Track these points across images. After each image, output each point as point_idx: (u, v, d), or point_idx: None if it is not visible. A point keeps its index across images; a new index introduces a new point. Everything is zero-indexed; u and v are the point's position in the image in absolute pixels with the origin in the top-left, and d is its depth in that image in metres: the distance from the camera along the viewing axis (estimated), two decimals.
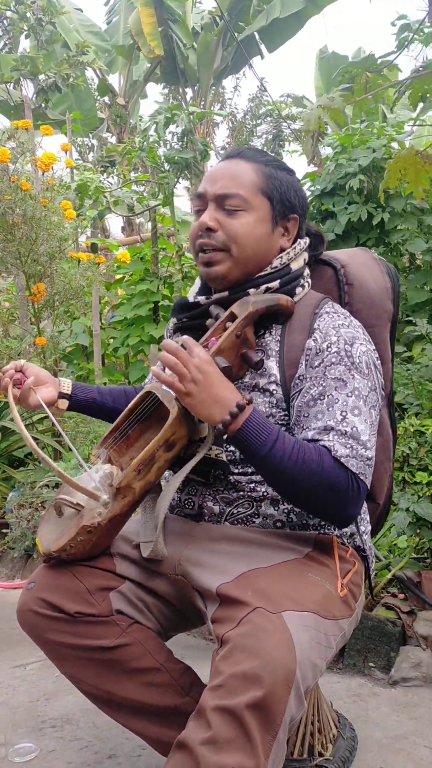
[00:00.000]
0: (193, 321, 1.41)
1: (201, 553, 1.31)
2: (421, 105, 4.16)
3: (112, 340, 4.91)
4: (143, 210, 4.59)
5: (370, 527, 1.52)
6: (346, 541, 1.39)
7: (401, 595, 2.17)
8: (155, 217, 4.73)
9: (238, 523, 1.32)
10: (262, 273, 1.35)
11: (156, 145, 3.86)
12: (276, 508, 1.31)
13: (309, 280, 1.43)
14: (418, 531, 2.05)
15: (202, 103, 11.33)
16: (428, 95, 3.86)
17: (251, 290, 1.34)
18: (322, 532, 1.34)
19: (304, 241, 1.42)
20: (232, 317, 1.33)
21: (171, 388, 1.25)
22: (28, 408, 1.45)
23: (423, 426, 2.15)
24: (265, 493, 1.30)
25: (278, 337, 1.35)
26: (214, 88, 11.68)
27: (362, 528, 1.44)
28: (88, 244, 4.30)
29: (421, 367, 3.05)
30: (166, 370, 1.29)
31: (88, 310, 4.18)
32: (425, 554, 2.36)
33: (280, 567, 1.24)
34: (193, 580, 1.30)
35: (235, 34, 9.73)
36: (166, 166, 4.02)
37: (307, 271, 1.43)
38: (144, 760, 1.57)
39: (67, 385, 1.53)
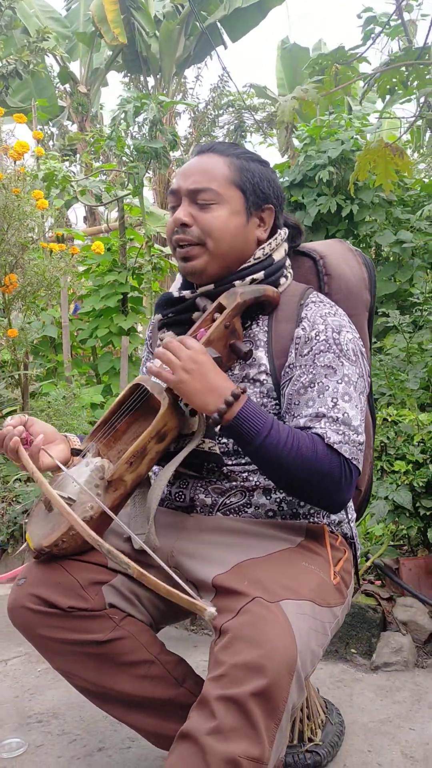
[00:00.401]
0: (179, 316, 1.40)
1: (194, 544, 1.31)
2: (387, 97, 4.20)
3: (79, 332, 4.86)
4: (111, 200, 4.55)
5: (355, 515, 1.55)
6: (334, 529, 1.40)
7: (378, 582, 2.21)
8: (123, 207, 4.69)
9: (230, 514, 1.33)
10: (246, 265, 1.36)
11: (125, 134, 3.82)
12: (268, 498, 1.32)
13: (291, 271, 1.44)
14: (396, 519, 2.09)
15: (165, 92, 11.25)
16: (396, 88, 3.91)
17: (237, 282, 1.35)
18: (311, 521, 1.35)
19: (284, 231, 1.42)
20: (220, 308, 1.33)
21: (162, 379, 1.25)
22: (39, 470, 1.30)
23: (400, 416, 2.19)
24: (258, 483, 1.31)
25: (266, 328, 1.36)
26: (176, 77, 11.59)
27: (349, 515, 1.47)
28: (60, 234, 4.24)
29: (393, 358, 3.09)
30: (157, 362, 1.29)
31: (56, 302, 4.13)
32: (400, 541, 2.41)
33: (274, 557, 1.25)
34: (186, 572, 1.30)
35: (199, 23, 9.66)
36: (135, 156, 3.98)
37: (288, 262, 1.44)
38: (134, 752, 1.57)
39: (75, 440, 1.44)
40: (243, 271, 1.35)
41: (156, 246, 4.45)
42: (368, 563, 2.19)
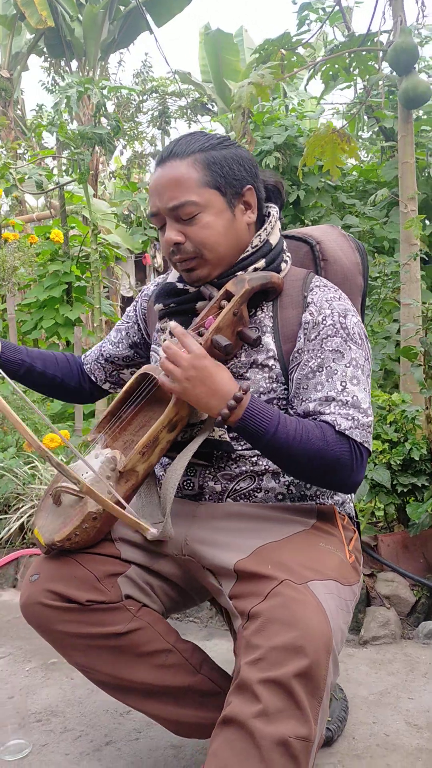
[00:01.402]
0: (181, 306, 1.39)
1: (207, 532, 1.31)
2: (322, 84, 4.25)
3: (22, 323, 4.73)
4: (54, 187, 4.44)
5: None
6: (339, 509, 1.43)
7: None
8: (64, 195, 4.59)
9: (240, 499, 1.33)
10: (246, 254, 1.35)
11: (66, 120, 3.73)
12: (277, 481, 1.33)
13: (289, 255, 1.44)
14: (375, 497, 2.14)
15: (90, 76, 11.02)
16: (338, 74, 3.96)
17: (239, 273, 1.34)
18: (318, 502, 1.37)
19: (275, 211, 1.42)
20: (228, 296, 1.33)
21: (166, 390, 1.24)
22: None
23: (374, 397, 2.24)
24: (267, 467, 1.32)
25: (271, 314, 1.36)
26: (101, 62, 11.38)
27: (350, 495, 1.50)
28: (13, 223, 4.11)
29: None
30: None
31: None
32: (372, 519, 2.47)
33: (292, 539, 1.26)
34: (203, 559, 1.30)
35: (122, 8, 9.52)
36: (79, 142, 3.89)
37: (285, 245, 1.44)
38: (143, 743, 1.57)
39: None
40: (243, 262, 1.35)
41: (101, 234, 4.37)
42: None
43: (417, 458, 2.10)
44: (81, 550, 1.31)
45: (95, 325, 4.26)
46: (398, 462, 2.11)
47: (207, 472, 1.35)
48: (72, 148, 3.89)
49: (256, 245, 1.36)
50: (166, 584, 1.38)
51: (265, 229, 1.38)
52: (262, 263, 1.35)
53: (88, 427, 3.30)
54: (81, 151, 3.78)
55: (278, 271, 1.38)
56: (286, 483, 1.33)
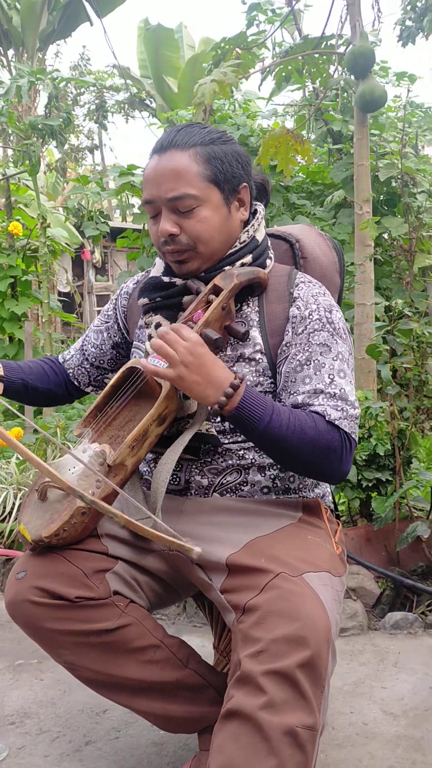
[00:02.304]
0: (167, 300, 1.38)
1: (196, 526, 1.31)
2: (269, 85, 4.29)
3: None
4: (1, 179, 4.33)
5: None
6: (321, 502, 1.45)
7: None
8: (10, 186, 4.48)
9: (226, 493, 1.34)
10: (233, 250, 1.36)
11: (18, 110, 3.64)
12: (263, 474, 1.33)
13: (272, 252, 1.45)
14: (341, 491, 2.18)
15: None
16: (291, 76, 4.01)
17: (226, 267, 1.35)
18: (301, 495, 1.39)
19: (261, 209, 1.43)
20: (216, 290, 1.33)
21: (161, 376, 1.23)
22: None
23: None
24: (253, 460, 1.32)
25: (257, 308, 1.37)
26: (40, 52, 11.16)
27: (330, 488, 1.52)
28: None
29: None
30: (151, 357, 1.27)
31: None
32: (339, 513, 2.51)
33: (281, 533, 1.27)
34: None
35: None
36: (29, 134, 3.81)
37: (269, 243, 1.45)
38: (123, 741, 1.55)
39: None
40: (232, 256, 1.35)
41: (50, 228, 4.29)
42: None
43: (381, 453, 2.14)
44: (67, 546, 1.28)
45: (44, 320, 4.18)
46: (363, 457, 2.15)
47: (193, 466, 1.35)
48: (22, 139, 3.80)
49: (244, 241, 1.37)
50: (152, 580, 1.37)
51: (252, 225, 1.39)
52: (248, 258, 1.36)
53: (45, 424, 3.24)
54: (32, 142, 3.69)
55: (263, 267, 1.39)
56: (272, 476, 1.34)
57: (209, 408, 1.25)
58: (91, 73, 16.30)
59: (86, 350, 1.58)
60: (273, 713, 1.02)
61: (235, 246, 1.36)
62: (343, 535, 1.44)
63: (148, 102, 15.98)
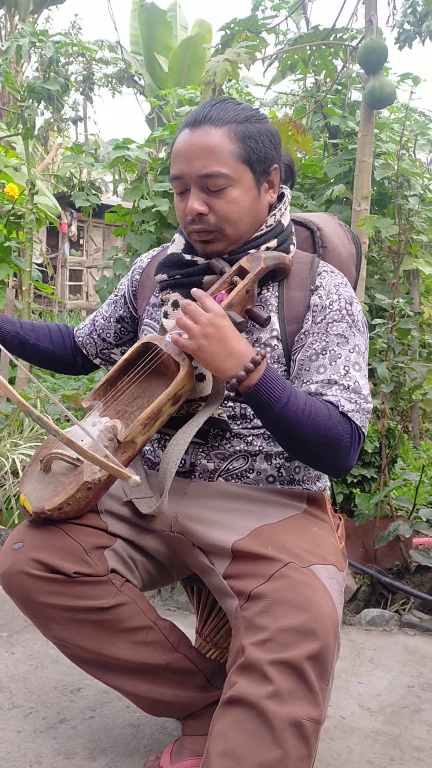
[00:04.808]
0: (187, 278, 1.35)
1: (200, 509, 1.29)
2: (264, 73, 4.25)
3: None
4: None
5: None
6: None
7: None
8: None
9: (231, 479, 1.32)
10: (259, 233, 1.33)
11: (16, 71, 3.53)
12: (269, 463, 1.32)
13: (295, 239, 1.43)
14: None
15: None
16: (297, 66, 3.97)
17: (252, 250, 1.32)
18: (304, 487, 1.37)
19: (288, 192, 1.41)
20: (241, 272, 1.30)
21: (180, 346, 1.20)
22: None
23: None
24: (261, 447, 1.30)
25: (276, 293, 1.35)
26: (33, 15, 10.90)
27: (328, 483, 1.51)
28: None
29: None
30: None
31: None
32: None
33: (288, 523, 1.26)
34: (194, 537, 1.27)
35: None
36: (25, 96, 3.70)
37: (293, 229, 1.43)
38: (98, 720, 1.52)
39: None
40: (257, 240, 1.32)
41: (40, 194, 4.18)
42: None
43: (369, 451, 2.15)
44: (67, 520, 1.25)
45: (24, 289, 4.08)
46: None
47: (200, 449, 1.32)
48: (17, 101, 3.70)
49: (271, 225, 1.34)
50: (147, 560, 1.35)
51: (280, 209, 1.37)
52: (274, 243, 1.34)
53: (25, 394, 3.17)
54: (29, 104, 3.59)
55: (287, 252, 1.37)
56: (278, 465, 1.32)
57: (226, 383, 1.21)
58: (80, 45, 15.97)
59: (96, 321, 1.56)
60: (279, 703, 1.01)
61: (261, 229, 1.33)
62: (343, 529, 1.43)
63: (136, 79, 15.75)
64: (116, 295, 1.54)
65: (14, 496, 2.50)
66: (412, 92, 3.84)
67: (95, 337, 1.55)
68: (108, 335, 1.54)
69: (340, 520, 1.42)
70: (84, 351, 1.57)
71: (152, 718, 1.52)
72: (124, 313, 1.52)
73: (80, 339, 1.56)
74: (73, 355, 1.56)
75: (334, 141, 4.47)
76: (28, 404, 1.08)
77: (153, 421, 1.24)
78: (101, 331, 1.54)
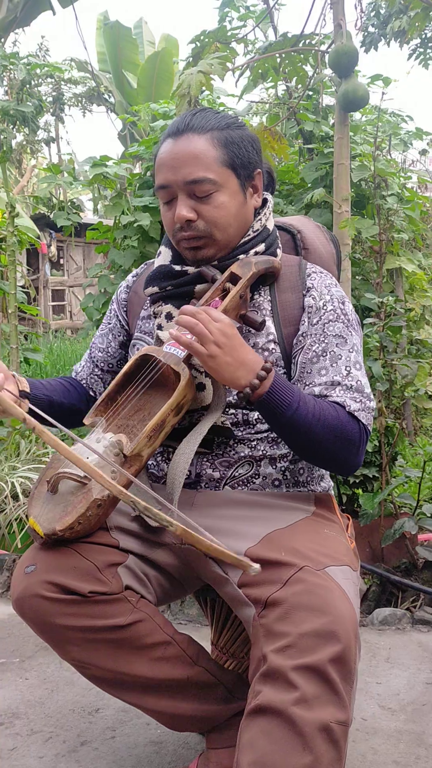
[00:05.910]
0: (179, 289, 1.35)
1: (209, 519, 1.28)
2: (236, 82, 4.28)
3: None
4: None
5: None
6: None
7: None
8: None
9: (237, 486, 1.31)
10: (247, 238, 1.34)
11: None
12: (274, 467, 1.32)
13: (280, 242, 1.44)
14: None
15: None
16: (267, 74, 4.00)
17: (240, 256, 1.33)
18: (309, 488, 1.37)
19: (270, 198, 1.42)
20: (233, 278, 1.30)
21: (193, 351, 1.19)
22: None
23: None
24: (265, 452, 1.31)
25: (269, 297, 1.36)
26: (2, 39, 10.91)
27: (332, 483, 1.51)
28: None
29: None
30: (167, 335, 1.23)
31: None
32: None
33: (298, 526, 1.26)
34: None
35: None
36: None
37: (277, 233, 1.44)
38: (120, 740, 1.51)
39: (23, 381, 1.34)
40: (245, 246, 1.33)
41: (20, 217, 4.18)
42: None
43: (369, 450, 2.15)
44: (78, 539, 1.24)
45: (10, 311, 4.06)
46: None
47: (205, 459, 1.32)
48: None
49: (257, 229, 1.35)
50: (160, 574, 1.34)
51: (265, 214, 1.38)
52: (262, 247, 1.35)
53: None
54: (3, 128, 3.59)
55: (275, 255, 1.37)
56: (282, 469, 1.32)
57: (238, 393, 1.21)
58: (49, 65, 16.00)
59: (94, 356, 1.53)
60: (306, 709, 1.00)
61: (249, 234, 1.34)
62: (353, 529, 1.43)
63: (106, 97, 15.80)
64: (108, 324, 1.52)
65: (16, 520, 2.48)
66: (383, 93, 3.88)
67: (99, 373, 1.52)
68: (112, 366, 1.52)
69: (349, 519, 1.42)
70: (91, 392, 1.53)
71: (174, 734, 1.51)
72: (124, 338, 1.51)
73: (84, 381, 1.53)
74: (86, 402, 1.51)
75: (309, 146, 4.50)
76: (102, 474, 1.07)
77: (157, 433, 1.24)
78: (103, 364, 1.52)
